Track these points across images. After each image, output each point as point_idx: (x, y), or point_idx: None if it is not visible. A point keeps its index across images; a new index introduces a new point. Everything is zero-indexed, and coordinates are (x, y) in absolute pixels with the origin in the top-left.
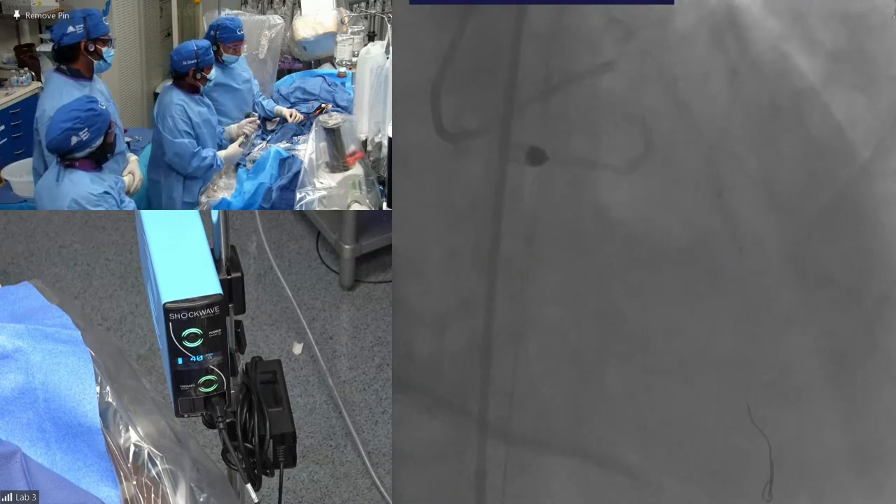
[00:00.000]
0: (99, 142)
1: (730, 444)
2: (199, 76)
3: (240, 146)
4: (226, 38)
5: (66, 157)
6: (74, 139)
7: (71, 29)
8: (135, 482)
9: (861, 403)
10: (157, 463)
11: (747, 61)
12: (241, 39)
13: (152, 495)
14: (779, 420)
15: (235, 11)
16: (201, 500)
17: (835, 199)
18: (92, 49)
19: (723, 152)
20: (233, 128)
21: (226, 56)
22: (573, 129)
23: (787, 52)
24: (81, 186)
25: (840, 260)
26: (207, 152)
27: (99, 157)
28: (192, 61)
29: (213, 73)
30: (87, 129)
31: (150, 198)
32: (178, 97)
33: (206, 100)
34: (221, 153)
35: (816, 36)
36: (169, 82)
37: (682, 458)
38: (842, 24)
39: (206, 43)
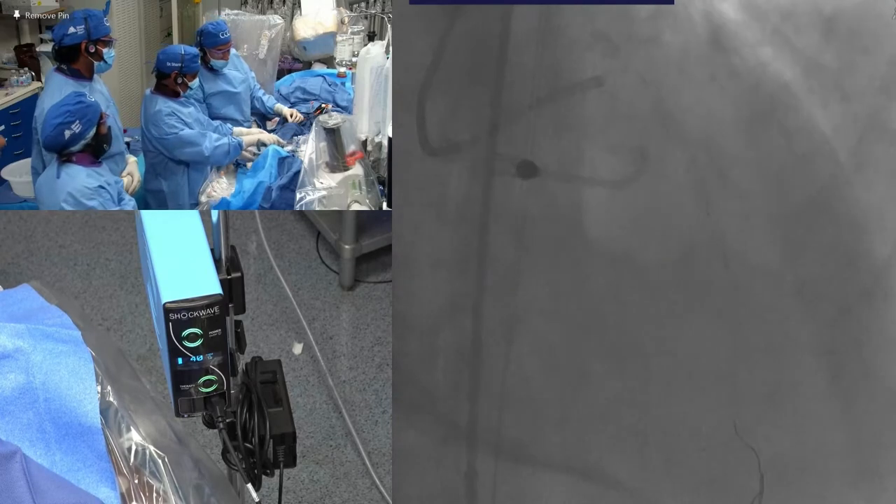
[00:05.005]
0: (92, 132)
1: (723, 457)
2: (180, 81)
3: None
4: (210, 44)
5: (63, 152)
6: (67, 133)
7: (72, 30)
8: (135, 482)
9: (856, 415)
10: (158, 463)
11: (732, 71)
12: (226, 42)
13: (153, 495)
14: (771, 432)
15: (235, 11)
16: (201, 499)
17: (817, 207)
18: (93, 50)
19: (709, 164)
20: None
21: (213, 62)
22: (561, 142)
23: (768, 60)
24: (78, 180)
25: (826, 269)
26: (219, 135)
27: (96, 150)
28: (177, 65)
29: (208, 85)
30: (78, 121)
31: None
32: (165, 105)
33: (191, 100)
34: (239, 131)
35: (798, 44)
36: (149, 89)
37: (672, 471)
38: (824, 33)
39: (195, 50)
